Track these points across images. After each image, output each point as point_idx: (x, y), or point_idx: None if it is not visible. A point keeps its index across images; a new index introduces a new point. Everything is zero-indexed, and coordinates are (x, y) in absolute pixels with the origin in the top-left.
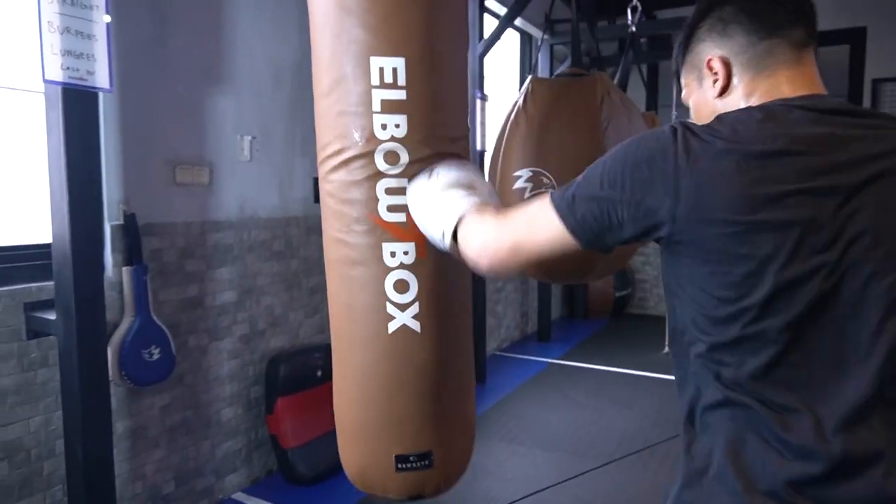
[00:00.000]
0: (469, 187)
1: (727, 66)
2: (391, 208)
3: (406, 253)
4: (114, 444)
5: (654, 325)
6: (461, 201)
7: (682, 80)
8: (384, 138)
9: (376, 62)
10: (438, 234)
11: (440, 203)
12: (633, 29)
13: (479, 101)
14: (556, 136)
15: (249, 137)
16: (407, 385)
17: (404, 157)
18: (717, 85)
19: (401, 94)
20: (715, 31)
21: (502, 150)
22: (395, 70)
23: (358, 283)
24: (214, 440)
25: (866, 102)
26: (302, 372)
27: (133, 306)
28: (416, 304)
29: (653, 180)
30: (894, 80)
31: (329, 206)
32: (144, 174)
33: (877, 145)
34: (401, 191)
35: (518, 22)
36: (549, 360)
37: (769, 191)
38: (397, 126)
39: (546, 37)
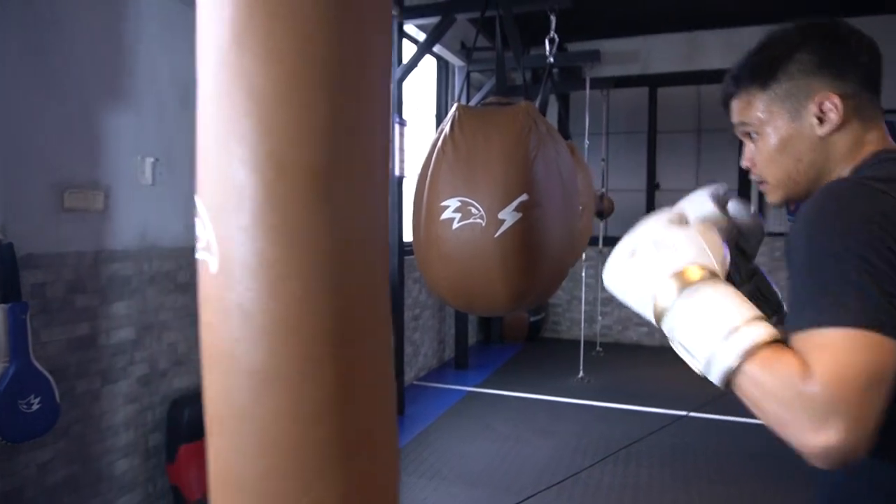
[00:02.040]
0: (727, 281)
1: (843, 106)
2: None
3: None
4: None
5: (568, 350)
6: (745, 315)
7: (756, 109)
8: None
9: None
10: (699, 355)
11: (700, 305)
12: (552, 60)
13: (397, 127)
14: (485, 166)
15: (151, 159)
16: None
17: None
18: (830, 124)
19: None
20: (829, 67)
21: (429, 178)
22: None
23: None
24: (106, 496)
25: None
26: None
27: (7, 350)
28: None
29: None
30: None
31: None
32: (25, 199)
33: None
34: None
35: (436, 48)
36: (468, 389)
37: None
38: None
39: (464, 64)
